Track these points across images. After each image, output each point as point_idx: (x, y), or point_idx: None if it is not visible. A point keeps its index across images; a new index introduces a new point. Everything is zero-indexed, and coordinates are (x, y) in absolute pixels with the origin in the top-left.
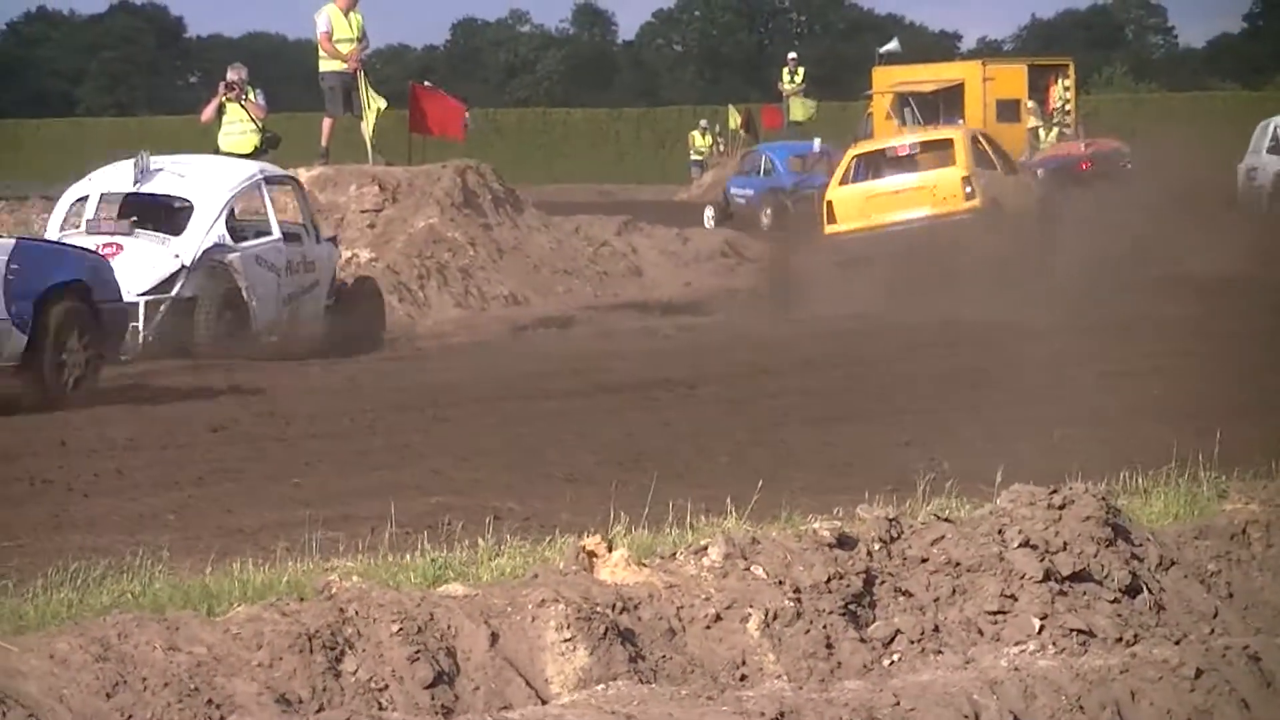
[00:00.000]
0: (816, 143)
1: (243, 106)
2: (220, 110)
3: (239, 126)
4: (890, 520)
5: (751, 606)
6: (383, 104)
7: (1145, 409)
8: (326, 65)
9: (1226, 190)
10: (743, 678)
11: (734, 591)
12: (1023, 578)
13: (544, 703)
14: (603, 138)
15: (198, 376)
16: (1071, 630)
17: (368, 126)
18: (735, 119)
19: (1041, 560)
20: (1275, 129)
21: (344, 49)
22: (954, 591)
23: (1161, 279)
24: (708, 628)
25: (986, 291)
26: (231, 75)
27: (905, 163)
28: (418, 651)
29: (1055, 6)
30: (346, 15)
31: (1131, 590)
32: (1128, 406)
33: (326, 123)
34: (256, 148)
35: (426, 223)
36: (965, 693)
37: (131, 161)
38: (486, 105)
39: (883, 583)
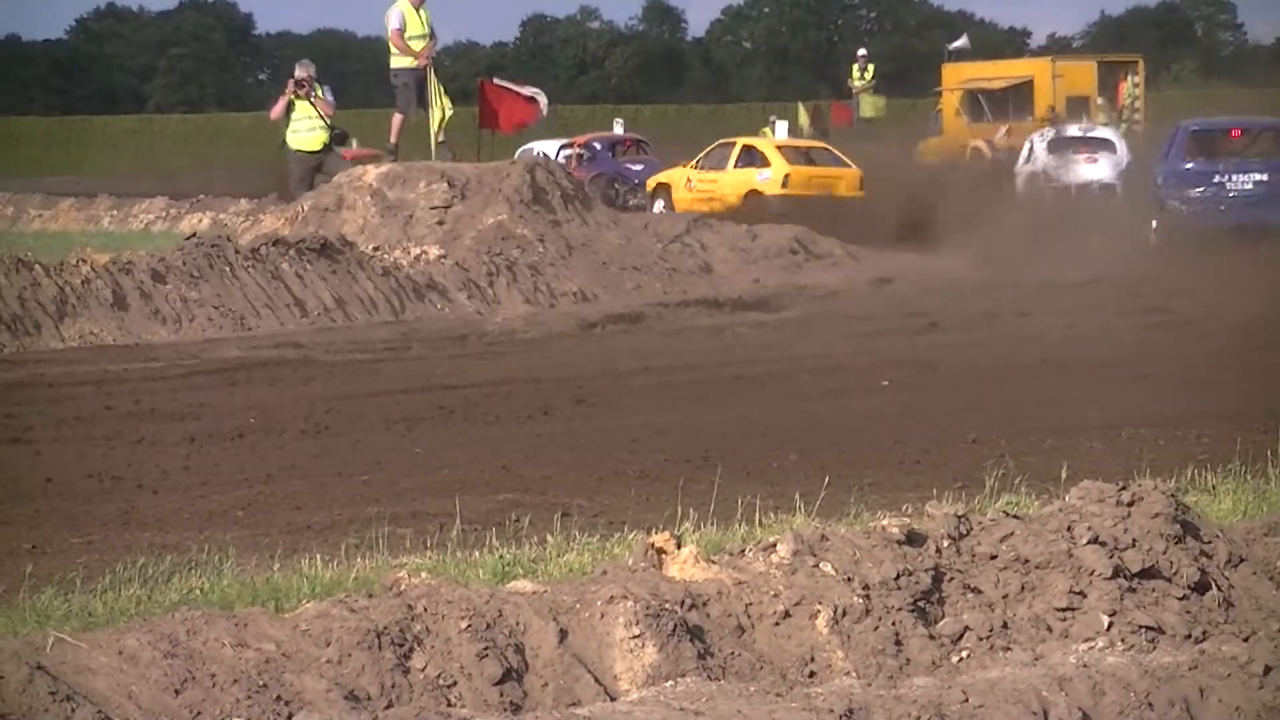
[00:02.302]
0: None
1: (311, 103)
2: (289, 107)
3: (307, 123)
4: (959, 517)
5: (820, 603)
6: (449, 107)
7: None
8: (398, 62)
9: None
10: (811, 674)
11: (803, 588)
12: (1092, 574)
13: (613, 699)
14: (671, 134)
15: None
16: (1140, 627)
17: (433, 125)
18: (804, 116)
19: (1110, 557)
20: None
21: (416, 45)
22: (1023, 588)
23: None
24: (776, 624)
25: None
26: (300, 72)
27: None
28: (486, 648)
29: (1125, 3)
30: (417, 11)
31: (1200, 587)
32: None
33: (396, 119)
34: (325, 144)
35: (495, 219)
36: (1034, 689)
37: None
38: (555, 102)
39: (951, 579)
